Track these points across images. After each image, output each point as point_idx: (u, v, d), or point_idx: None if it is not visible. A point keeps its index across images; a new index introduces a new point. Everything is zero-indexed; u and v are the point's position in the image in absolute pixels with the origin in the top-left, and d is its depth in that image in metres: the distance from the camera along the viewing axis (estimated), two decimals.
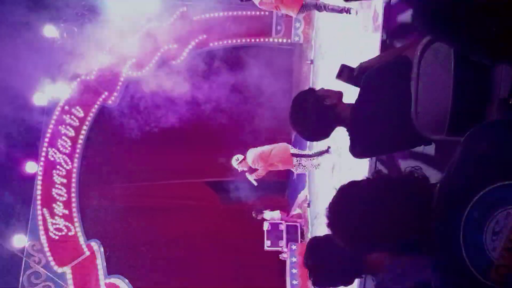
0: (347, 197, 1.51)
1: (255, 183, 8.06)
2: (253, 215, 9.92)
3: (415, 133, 2.20)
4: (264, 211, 9.79)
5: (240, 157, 7.71)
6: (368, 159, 4.71)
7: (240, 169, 7.85)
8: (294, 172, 7.97)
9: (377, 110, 2.31)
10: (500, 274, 1.17)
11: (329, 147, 7.07)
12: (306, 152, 7.86)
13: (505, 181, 1.19)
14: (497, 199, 1.20)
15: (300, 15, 7.75)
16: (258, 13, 9.96)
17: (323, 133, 2.51)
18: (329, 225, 1.53)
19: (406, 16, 4.46)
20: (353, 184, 1.55)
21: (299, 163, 7.49)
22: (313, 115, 2.38)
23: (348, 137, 2.44)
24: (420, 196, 1.42)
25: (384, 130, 2.30)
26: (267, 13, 9.83)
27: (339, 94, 2.44)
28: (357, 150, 2.46)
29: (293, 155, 7.52)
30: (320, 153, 7.29)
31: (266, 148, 7.58)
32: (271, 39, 10.01)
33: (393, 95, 2.28)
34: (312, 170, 7.84)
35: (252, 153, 7.55)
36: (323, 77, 8.02)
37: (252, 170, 7.80)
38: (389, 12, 4.75)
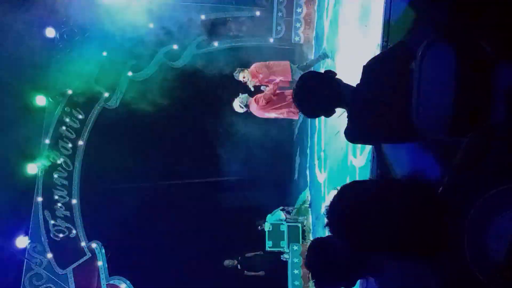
0: (349, 198, 1.49)
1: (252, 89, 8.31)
2: (259, 228, 9.73)
3: (414, 128, 2.20)
4: (267, 216, 9.65)
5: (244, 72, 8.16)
6: (369, 160, 4.70)
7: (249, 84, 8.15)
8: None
9: (375, 96, 2.31)
10: (504, 276, 1.16)
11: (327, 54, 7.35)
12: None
13: (510, 184, 1.18)
14: (502, 202, 1.19)
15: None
16: (258, 13, 9.96)
17: (325, 110, 2.54)
18: (328, 224, 1.53)
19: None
20: (354, 185, 1.54)
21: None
22: (323, 92, 2.45)
23: (347, 119, 2.45)
24: (422, 202, 1.40)
25: (381, 117, 2.30)
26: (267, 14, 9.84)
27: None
28: (352, 133, 2.47)
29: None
30: (320, 57, 7.69)
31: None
32: (271, 40, 10.00)
33: (392, 84, 2.28)
34: None
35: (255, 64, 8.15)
36: None
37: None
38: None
